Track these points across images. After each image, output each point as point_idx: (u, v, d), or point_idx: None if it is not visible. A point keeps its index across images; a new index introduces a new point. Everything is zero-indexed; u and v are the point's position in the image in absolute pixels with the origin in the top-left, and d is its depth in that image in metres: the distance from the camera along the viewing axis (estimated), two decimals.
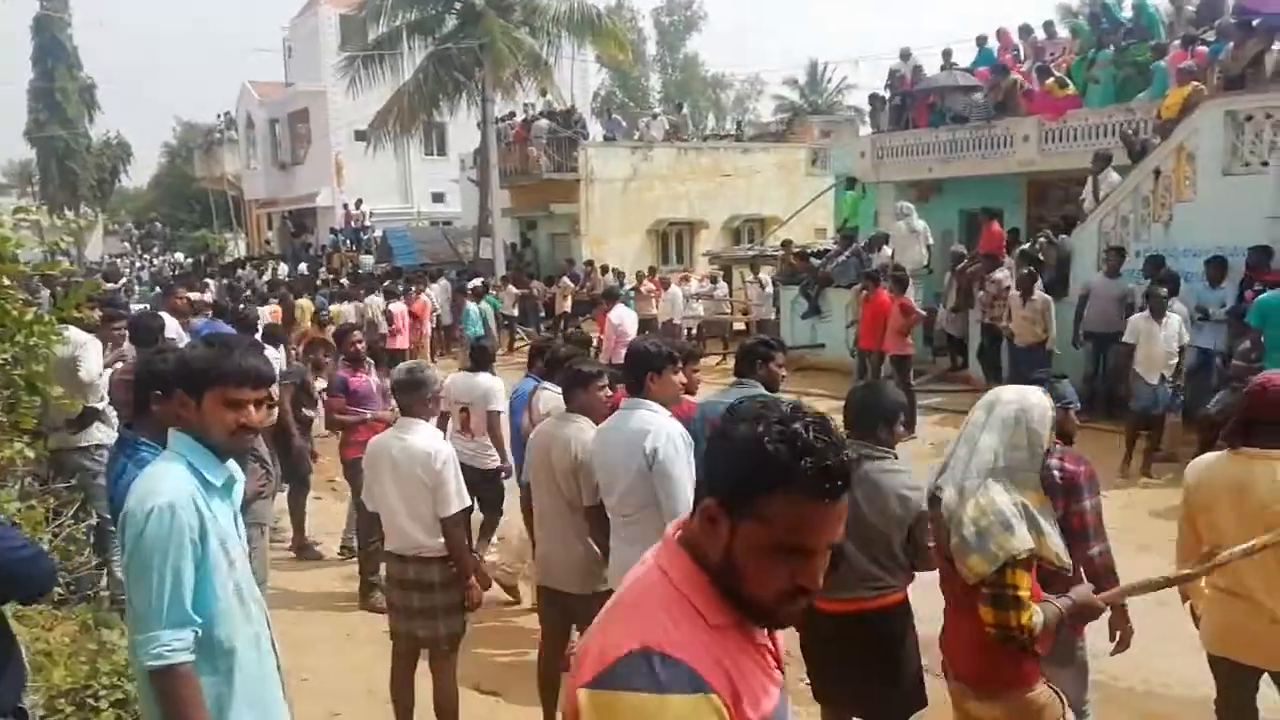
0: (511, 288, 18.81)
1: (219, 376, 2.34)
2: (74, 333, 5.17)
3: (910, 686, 3.48)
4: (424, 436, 4.03)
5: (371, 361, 6.81)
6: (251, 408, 2.38)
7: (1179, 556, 3.43)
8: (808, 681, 3.77)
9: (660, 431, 3.66)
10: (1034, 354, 9.80)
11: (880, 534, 3.37)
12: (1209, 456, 3.41)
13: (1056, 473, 3.36)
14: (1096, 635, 3.49)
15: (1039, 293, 10.03)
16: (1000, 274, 11.15)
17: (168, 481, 2.27)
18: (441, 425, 6.49)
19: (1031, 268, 10.42)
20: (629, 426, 3.74)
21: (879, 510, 3.37)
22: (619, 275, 18.41)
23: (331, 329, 9.84)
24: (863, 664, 3.42)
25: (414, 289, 16.28)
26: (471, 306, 15.13)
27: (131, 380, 2.52)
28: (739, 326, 17.44)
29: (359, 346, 6.52)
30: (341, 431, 6.37)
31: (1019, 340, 10.19)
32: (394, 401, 6.07)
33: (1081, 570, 3.42)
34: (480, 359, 6.39)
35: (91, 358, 5.45)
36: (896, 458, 3.53)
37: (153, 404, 2.40)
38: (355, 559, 6.33)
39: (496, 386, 6.16)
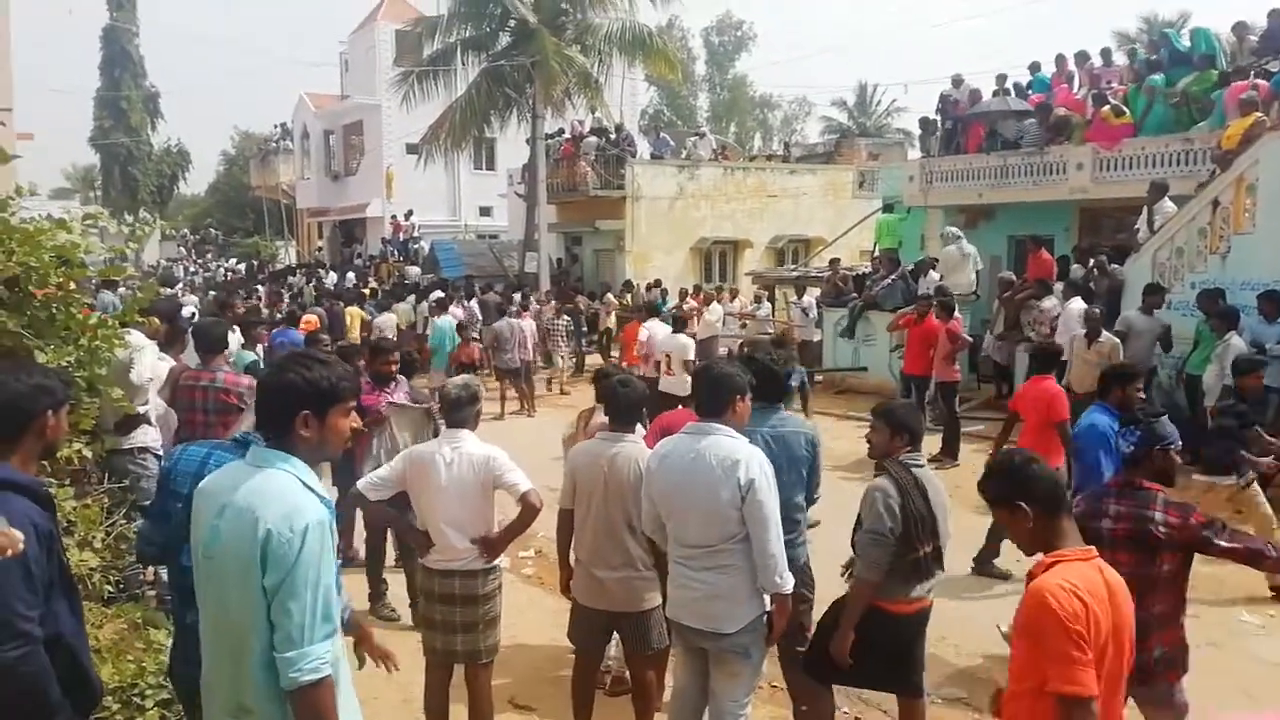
0: (554, 303, 18.91)
1: (349, 392, 2.43)
2: (133, 336, 5.30)
3: None
4: (476, 443, 4.08)
5: (402, 378, 6.51)
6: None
7: None
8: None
9: (753, 461, 3.54)
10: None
11: (941, 531, 3.77)
12: None
13: (1161, 527, 3.32)
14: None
15: (1107, 334, 9.22)
16: (1048, 303, 10.98)
17: (302, 497, 2.27)
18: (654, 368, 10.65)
19: (1097, 309, 9.71)
20: (710, 452, 3.56)
21: (944, 507, 3.77)
22: (664, 291, 18.41)
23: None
24: (911, 650, 3.89)
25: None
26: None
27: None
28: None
29: (392, 368, 6.21)
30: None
31: (1078, 387, 8.75)
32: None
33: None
34: (679, 325, 11.10)
35: (145, 361, 5.56)
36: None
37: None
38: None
39: (690, 343, 10.83)
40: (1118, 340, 9.33)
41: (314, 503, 2.28)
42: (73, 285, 4.16)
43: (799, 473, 4.15)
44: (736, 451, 3.56)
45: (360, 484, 4.12)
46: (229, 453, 2.94)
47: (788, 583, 3.57)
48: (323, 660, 2.20)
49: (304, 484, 2.30)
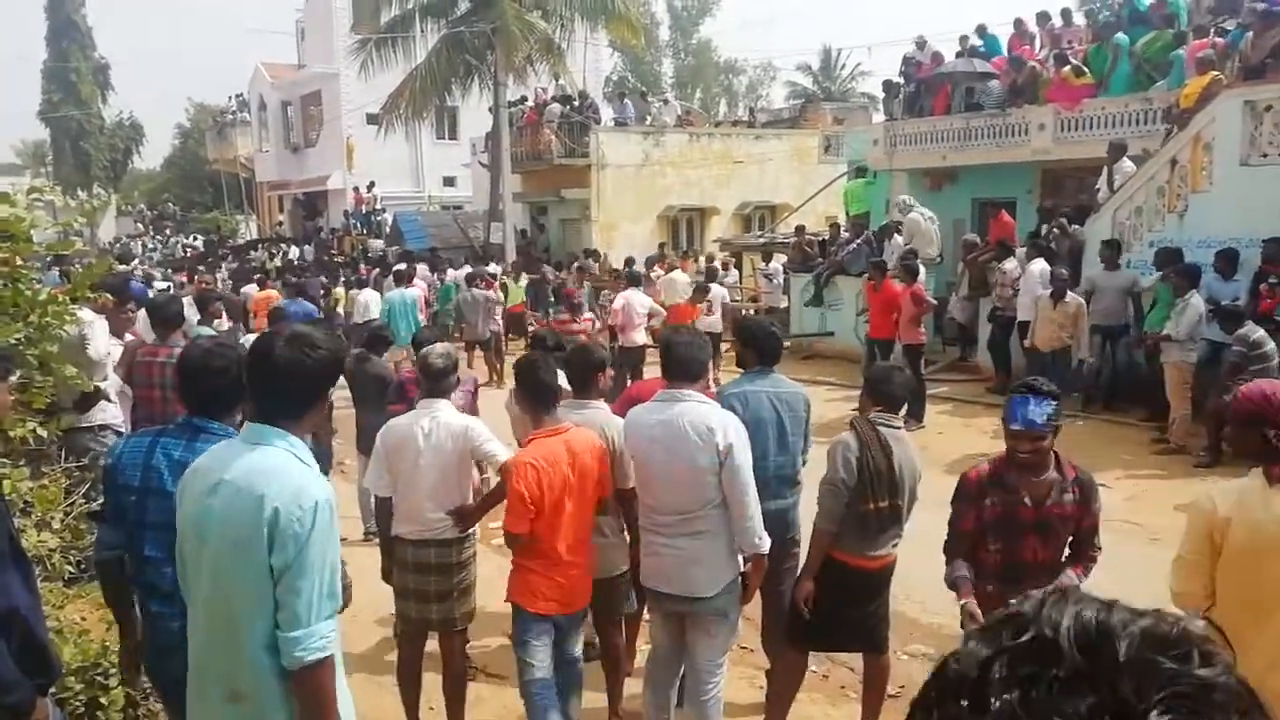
0: (524, 274, 18.77)
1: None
2: (83, 312, 5.19)
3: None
4: (453, 413, 4.12)
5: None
6: None
7: (1182, 576, 2.87)
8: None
9: (730, 425, 3.56)
10: (1057, 360, 9.32)
11: (909, 492, 3.79)
12: (1242, 483, 2.80)
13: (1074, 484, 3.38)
14: None
15: (1072, 295, 9.45)
16: (1010, 264, 11.07)
17: (305, 474, 2.25)
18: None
19: (1063, 270, 9.90)
20: (685, 419, 3.56)
21: (910, 469, 3.78)
22: (630, 262, 18.28)
23: None
24: (875, 606, 3.96)
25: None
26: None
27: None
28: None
29: None
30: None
31: (1043, 347, 9.39)
32: None
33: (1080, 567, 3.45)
34: (711, 275, 13.50)
35: (99, 336, 5.46)
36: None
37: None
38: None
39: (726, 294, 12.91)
40: (1082, 300, 9.47)
41: (318, 480, 2.25)
42: (19, 260, 4.04)
43: (801, 432, 4.22)
44: (710, 417, 3.57)
45: (369, 482, 4.30)
46: (175, 438, 2.83)
47: (765, 543, 3.63)
48: (326, 639, 2.18)
49: (302, 461, 2.26)
